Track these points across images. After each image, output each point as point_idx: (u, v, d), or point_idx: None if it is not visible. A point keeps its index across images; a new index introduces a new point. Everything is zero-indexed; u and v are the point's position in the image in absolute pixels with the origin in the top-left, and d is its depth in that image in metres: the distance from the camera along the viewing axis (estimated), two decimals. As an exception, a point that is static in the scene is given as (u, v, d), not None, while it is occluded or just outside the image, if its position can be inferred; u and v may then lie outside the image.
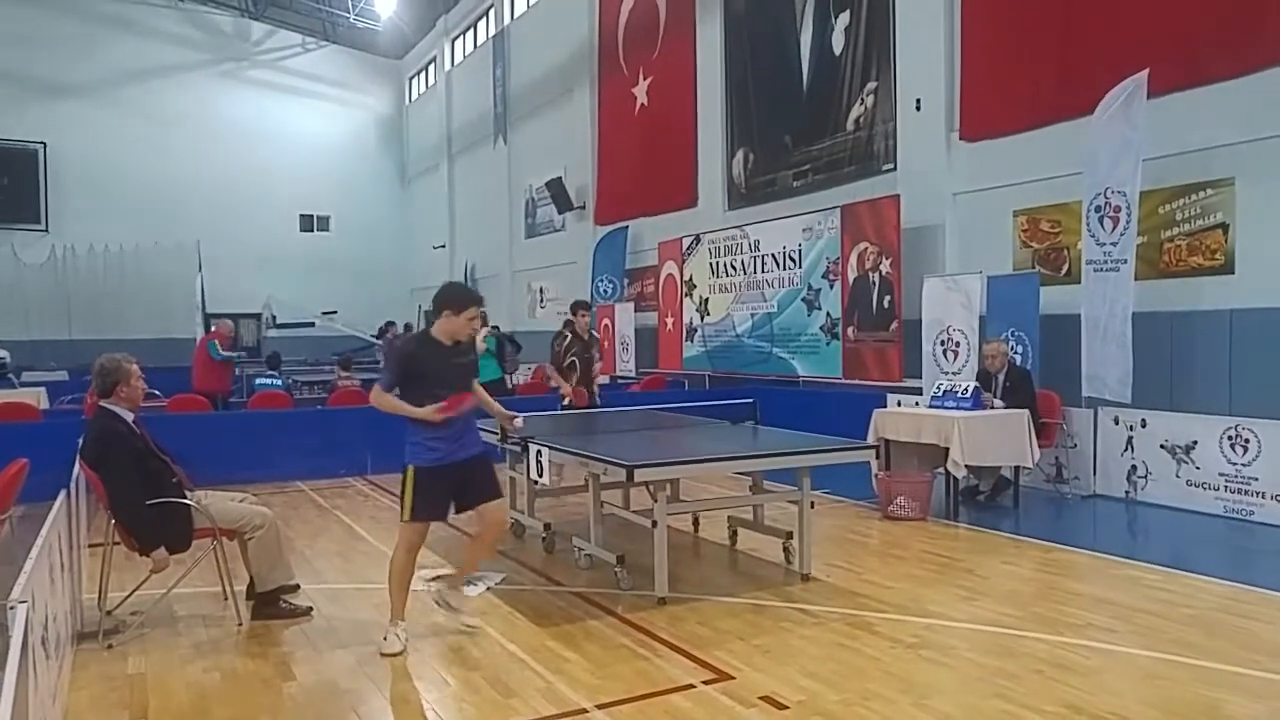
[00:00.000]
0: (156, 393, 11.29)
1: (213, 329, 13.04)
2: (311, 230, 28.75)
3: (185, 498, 5.13)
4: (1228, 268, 8.20)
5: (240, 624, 5.20)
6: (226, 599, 5.37)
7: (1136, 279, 8.37)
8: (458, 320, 4.78)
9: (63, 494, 4.85)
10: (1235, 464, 7.56)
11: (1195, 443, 7.83)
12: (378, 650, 4.70)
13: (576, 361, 8.50)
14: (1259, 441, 7.41)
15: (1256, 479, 7.41)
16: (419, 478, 4.75)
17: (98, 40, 25.66)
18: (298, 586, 5.59)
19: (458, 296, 4.84)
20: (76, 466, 5.27)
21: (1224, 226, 8.22)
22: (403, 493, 4.79)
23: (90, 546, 5.97)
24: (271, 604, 5.31)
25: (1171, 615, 5.09)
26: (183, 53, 27.12)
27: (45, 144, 25.06)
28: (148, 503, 4.93)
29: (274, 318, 25.74)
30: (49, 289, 24.22)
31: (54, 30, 25.02)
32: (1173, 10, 8.49)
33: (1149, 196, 8.47)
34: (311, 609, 5.40)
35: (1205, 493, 7.75)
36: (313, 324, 25.11)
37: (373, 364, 22.67)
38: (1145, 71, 8.15)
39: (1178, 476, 7.95)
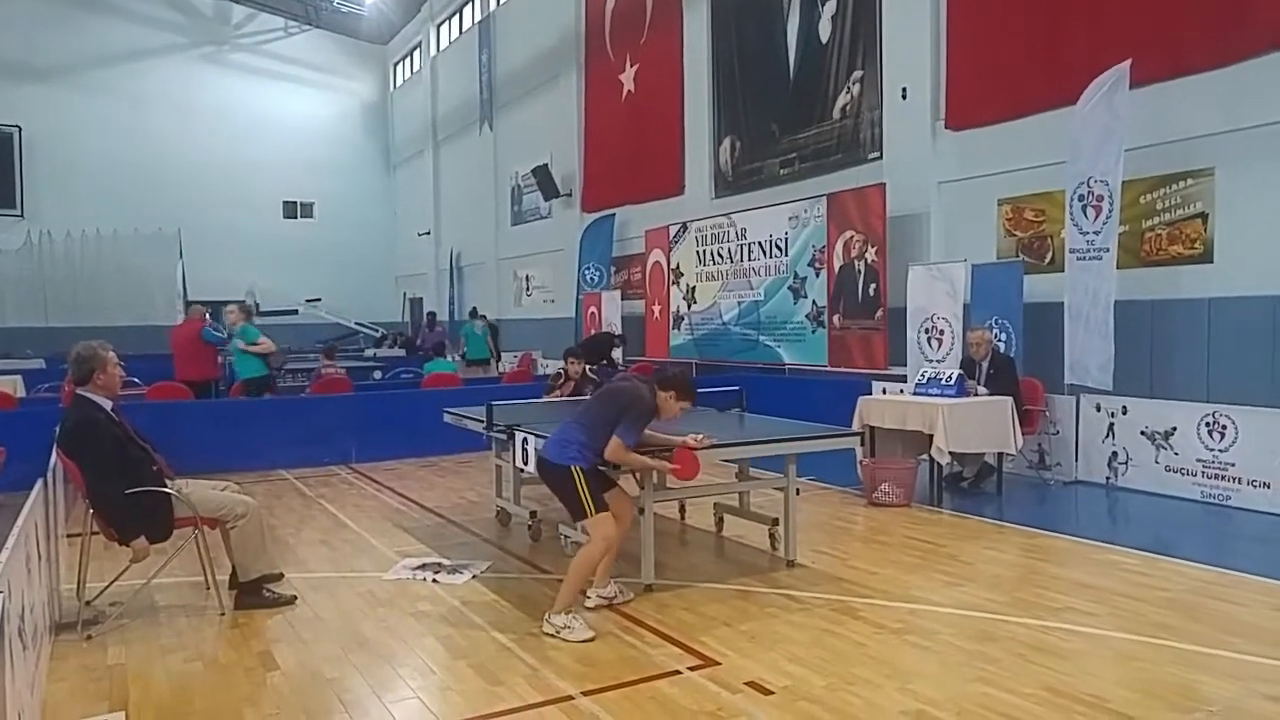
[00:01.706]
0: (136, 380, 11.19)
1: (190, 319, 12.48)
2: (295, 217, 28.55)
3: (165, 486, 5.09)
4: (1207, 257, 8.25)
5: (222, 613, 5.17)
6: (208, 588, 5.35)
7: (1118, 268, 8.41)
8: (676, 406, 5.09)
9: (40, 483, 4.81)
10: (1213, 450, 7.62)
11: (1174, 429, 7.89)
12: (562, 637, 4.61)
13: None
14: (1236, 428, 7.47)
15: (1233, 464, 7.48)
16: (586, 476, 4.87)
17: (74, 22, 25.35)
18: (281, 575, 5.57)
19: (694, 391, 5.21)
20: (54, 455, 5.23)
21: (1204, 216, 8.27)
22: (577, 494, 4.85)
23: (69, 536, 5.92)
24: (254, 593, 5.28)
25: (1150, 599, 5.14)
26: (161, 35, 26.82)
27: (20, 128, 24.76)
28: (127, 492, 4.89)
29: (257, 305, 25.56)
30: (25, 275, 23.98)
31: (28, 11, 24.70)
32: (1155, 2, 8.51)
33: (1131, 186, 8.51)
34: (295, 598, 5.38)
35: (1184, 478, 7.81)
36: (296, 312, 24.97)
37: (356, 351, 22.66)
38: (1128, 62, 8.17)
39: (1157, 462, 8.02)
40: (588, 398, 5.50)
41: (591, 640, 4.57)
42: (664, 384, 5.10)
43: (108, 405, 5.06)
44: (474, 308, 20.57)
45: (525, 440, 5.96)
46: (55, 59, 25.09)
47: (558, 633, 4.64)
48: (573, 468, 4.85)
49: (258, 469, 9.74)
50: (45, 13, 24.92)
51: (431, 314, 22.72)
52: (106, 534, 5.03)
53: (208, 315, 12.48)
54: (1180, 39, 8.28)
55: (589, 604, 5.06)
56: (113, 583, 5.32)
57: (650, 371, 14.32)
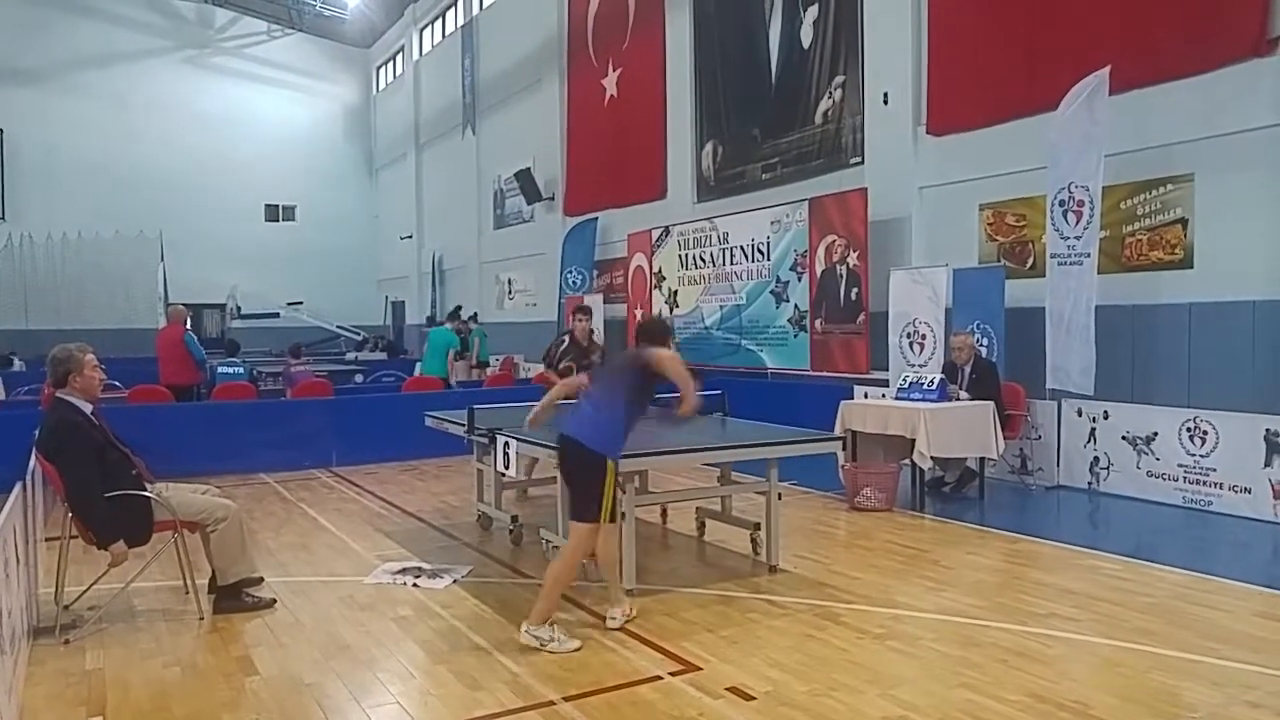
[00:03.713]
0: (117, 384, 11.11)
1: (172, 321, 12.29)
2: (277, 220, 28.45)
3: (145, 490, 5.04)
4: (1187, 262, 8.31)
5: (201, 618, 5.13)
6: (188, 592, 5.30)
7: (1099, 273, 8.45)
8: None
9: (18, 486, 4.75)
10: (1194, 455, 7.67)
11: (1155, 434, 7.94)
12: (550, 650, 4.49)
13: (574, 367, 8.36)
14: (1216, 433, 7.53)
15: (1214, 470, 7.53)
16: (618, 475, 4.69)
17: (56, 25, 25.18)
18: (261, 579, 5.52)
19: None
20: (33, 458, 5.17)
21: (1183, 221, 8.33)
22: (602, 492, 4.57)
23: (47, 540, 5.87)
24: (234, 597, 5.24)
25: (1132, 604, 5.16)
26: (144, 39, 26.69)
27: (2, 131, 24.58)
28: (106, 495, 4.85)
29: (238, 308, 25.47)
30: (6, 278, 23.78)
31: (10, 14, 24.53)
32: (1134, 9, 8.58)
33: (1111, 191, 8.57)
34: (275, 602, 5.34)
35: (1165, 483, 7.86)
36: (278, 314, 24.86)
37: (338, 354, 22.56)
38: (1107, 68, 8.23)
39: (1138, 468, 8.06)
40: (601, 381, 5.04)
41: (579, 649, 4.52)
42: (659, 340, 4.93)
43: (87, 408, 5.02)
44: (475, 313, 20.44)
45: (507, 444, 5.95)
46: (38, 62, 24.92)
47: (543, 646, 4.52)
48: (609, 460, 4.60)
49: (238, 472, 9.67)
50: (28, 16, 24.74)
51: (430, 317, 22.76)
52: (85, 538, 4.98)
53: (188, 318, 12.37)
54: (1158, 46, 8.35)
55: (612, 625, 4.84)
56: (91, 587, 5.27)
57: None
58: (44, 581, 5.39)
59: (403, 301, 27.64)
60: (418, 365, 18.16)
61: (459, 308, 17.93)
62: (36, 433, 5.03)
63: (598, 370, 4.94)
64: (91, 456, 4.87)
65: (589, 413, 4.77)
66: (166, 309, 12.12)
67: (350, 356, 21.96)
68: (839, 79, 12.07)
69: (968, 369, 8.48)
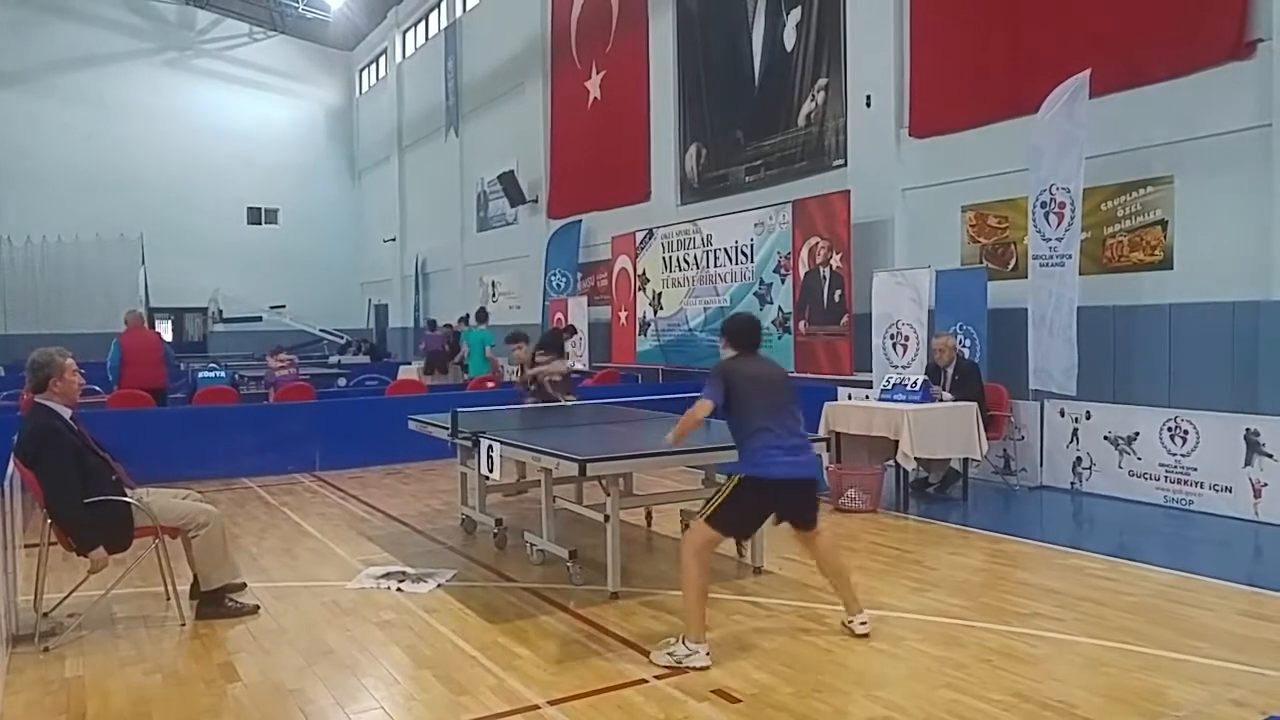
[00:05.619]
0: (96, 388, 11.02)
1: (138, 325, 11.75)
2: (259, 223, 28.34)
3: (125, 495, 5.00)
4: (1166, 263, 8.37)
5: (183, 624, 5.08)
6: (169, 599, 5.25)
7: (1080, 274, 8.50)
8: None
9: (-4, 493, 4.72)
10: (1175, 454, 7.72)
11: (1137, 434, 7.99)
12: (678, 661, 4.30)
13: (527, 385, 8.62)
14: (1197, 433, 7.58)
15: (1195, 469, 7.59)
16: (739, 487, 4.62)
17: (34, 26, 24.98)
18: (244, 585, 5.48)
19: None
20: (10, 464, 5.12)
21: (1163, 223, 8.39)
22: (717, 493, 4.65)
23: (26, 547, 5.80)
24: (216, 603, 5.20)
25: (1115, 603, 5.19)
26: (124, 41, 26.53)
27: (-21, 133, 24.39)
28: (86, 501, 4.80)
29: (220, 312, 25.33)
30: (-16, 282, 23.59)
31: (-11, 16, 24.34)
32: (1114, 13, 8.65)
33: (1092, 193, 8.63)
34: (258, 607, 5.30)
35: (1146, 483, 7.91)
36: (260, 318, 24.74)
37: (320, 359, 22.46)
38: (1087, 71, 8.29)
39: (1120, 467, 8.11)
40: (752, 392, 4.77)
41: (706, 669, 4.31)
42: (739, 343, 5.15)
43: (66, 413, 4.98)
44: (466, 315, 20.17)
45: (490, 448, 5.92)
46: (15, 64, 24.71)
47: (679, 662, 4.30)
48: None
49: (220, 477, 9.60)
50: (6, 17, 24.53)
51: (432, 320, 22.63)
52: (65, 544, 4.92)
53: (138, 323, 12.01)
54: (1138, 49, 8.41)
55: (661, 661, 4.37)
56: (71, 594, 5.21)
57: (615, 378, 14.31)
58: (23, 589, 5.32)
59: (386, 304, 27.54)
60: (401, 368, 18.03)
61: (481, 309, 17.75)
62: (15, 438, 4.97)
63: (754, 392, 4.75)
64: (71, 462, 4.81)
65: (802, 443, 4.72)
66: (126, 315, 11.67)
67: (333, 360, 21.86)
68: (822, 81, 12.11)
69: (950, 370, 8.52)
